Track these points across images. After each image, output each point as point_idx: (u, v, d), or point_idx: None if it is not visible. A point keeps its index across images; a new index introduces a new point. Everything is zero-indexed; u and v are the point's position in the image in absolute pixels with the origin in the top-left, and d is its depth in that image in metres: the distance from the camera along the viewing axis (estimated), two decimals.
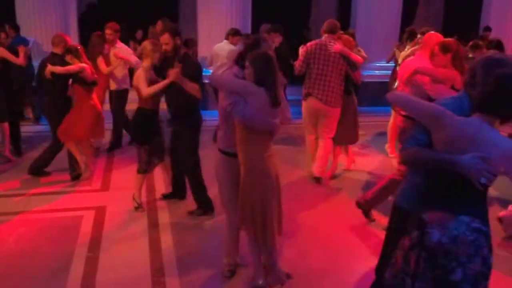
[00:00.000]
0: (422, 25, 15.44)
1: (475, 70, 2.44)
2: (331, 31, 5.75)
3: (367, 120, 8.35)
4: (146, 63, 4.83)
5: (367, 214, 4.88)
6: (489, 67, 2.37)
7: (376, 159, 7.11)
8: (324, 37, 5.79)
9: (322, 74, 5.72)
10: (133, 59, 6.89)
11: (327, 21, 5.77)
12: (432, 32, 5.23)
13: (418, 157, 2.49)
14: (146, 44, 4.89)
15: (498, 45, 6.41)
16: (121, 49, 7.05)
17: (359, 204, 4.82)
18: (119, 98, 7.13)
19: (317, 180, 5.99)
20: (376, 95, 8.73)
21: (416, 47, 6.81)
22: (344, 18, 12.07)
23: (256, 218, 3.46)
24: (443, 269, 2.35)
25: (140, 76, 4.77)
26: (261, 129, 3.40)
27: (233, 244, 3.93)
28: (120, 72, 7.02)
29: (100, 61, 6.75)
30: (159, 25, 7.20)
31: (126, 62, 6.94)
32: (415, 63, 4.78)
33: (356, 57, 5.78)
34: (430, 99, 3.02)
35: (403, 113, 4.74)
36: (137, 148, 5.08)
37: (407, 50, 6.97)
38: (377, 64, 10.37)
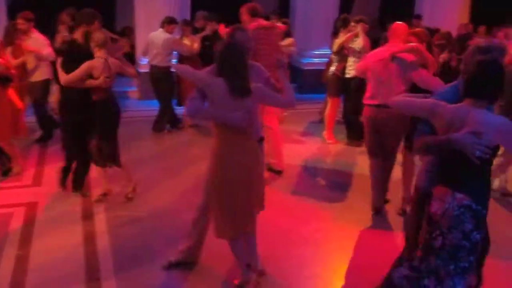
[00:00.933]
0: (359, 13, 15.80)
1: (465, 59, 2.80)
2: (253, 14, 5.61)
3: (307, 108, 8.43)
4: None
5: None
6: (473, 55, 2.75)
7: (314, 146, 7.21)
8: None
9: None
10: (45, 50, 6.55)
11: (246, 5, 5.63)
12: (399, 22, 4.94)
13: (423, 143, 2.82)
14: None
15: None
16: (36, 40, 6.68)
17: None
18: (36, 89, 6.77)
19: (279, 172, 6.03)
20: (316, 82, 8.81)
21: (349, 34, 7.00)
22: (284, 6, 12.13)
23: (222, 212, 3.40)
24: (430, 235, 2.73)
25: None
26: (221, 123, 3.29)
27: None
28: (32, 63, 6.63)
29: (4, 53, 6.09)
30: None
31: (36, 54, 6.56)
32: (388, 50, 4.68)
33: None
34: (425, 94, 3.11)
35: (368, 102, 4.79)
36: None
37: (341, 37, 7.05)
38: (316, 52, 10.47)
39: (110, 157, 4.92)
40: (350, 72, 6.96)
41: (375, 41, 8.29)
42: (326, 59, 9.28)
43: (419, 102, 2.91)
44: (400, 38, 4.73)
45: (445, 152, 2.72)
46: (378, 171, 4.91)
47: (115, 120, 4.95)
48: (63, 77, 4.71)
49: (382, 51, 4.74)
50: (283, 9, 11.32)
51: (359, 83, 6.63)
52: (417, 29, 5.14)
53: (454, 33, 9.14)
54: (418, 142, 2.89)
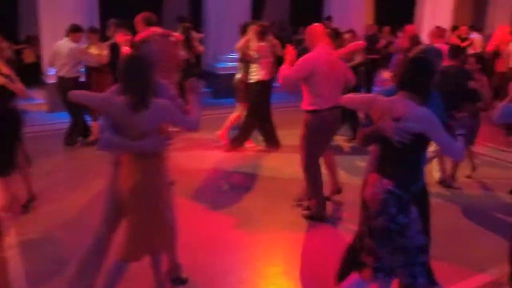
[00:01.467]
0: (270, 17, 16.09)
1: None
2: (147, 23, 5.46)
3: (223, 112, 8.41)
4: None
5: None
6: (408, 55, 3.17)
7: (231, 151, 7.18)
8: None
9: None
10: None
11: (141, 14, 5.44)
12: (315, 24, 5.11)
13: (363, 134, 3.04)
14: None
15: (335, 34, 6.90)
16: None
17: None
18: None
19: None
20: (231, 87, 8.80)
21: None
22: (195, 11, 12.06)
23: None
24: (364, 218, 3.04)
25: None
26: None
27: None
28: None
29: None
30: None
31: None
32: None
33: None
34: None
35: (308, 108, 4.79)
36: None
37: (241, 42, 7.21)
38: (230, 56, 10.48)
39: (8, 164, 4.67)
40: (252, 78, 6.97)
41: (283, 43, 8.53)
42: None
43: (361, 97, 3.35)
44: (325, 38, 4.85)
45: (377, 140, 2.98)
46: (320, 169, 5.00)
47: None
48: None
49: (323, 54, 4.71)
50: (195, 14, 11.23)
51: (261, 88, 6.72)
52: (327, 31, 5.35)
53: (362, 34, 9.62)
54: (359, 134, 3.11)
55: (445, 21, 13.49)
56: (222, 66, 10.37)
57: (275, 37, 8.04)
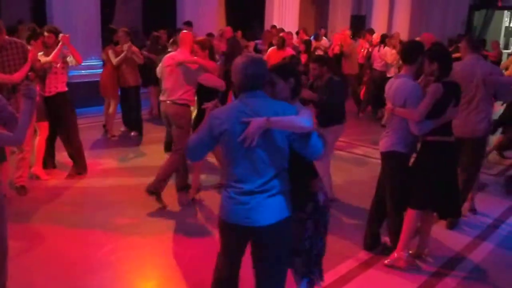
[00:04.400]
0: (122, 23, 15.57)
1: None
2: None
3: (85, 122, 7.91)
4: None
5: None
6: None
7: (94, 164, 6.74)
8: None
9: None
10: None
11: None
12: (185, 31, 5.74)
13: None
14: None
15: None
16: None
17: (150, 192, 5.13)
18: None
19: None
20: (87, 95, 8.32)
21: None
22: (38, 15, 11.21)
23: None
24: None
25: None
26: None
27: None
28: None
29: None
30: None
31: None
32: (178, 57, 5.23)
33: None
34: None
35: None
36: None
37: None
38: (82, 64, 9.90)
39: None
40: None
41: (140, 48, 8.33)
42: (95, 70, 8.90)
43: None
44: (188, 45, 5.29)
45: None
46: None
47: None
48: None
49: (173, 57, 5.29)
50: (38, 19, 10.38)
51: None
52: (200, 38, 5.64)
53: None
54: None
55: (293, 25, 14.27)
56: (75, 73, 9.73)
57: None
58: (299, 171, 2.88)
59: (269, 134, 2.57)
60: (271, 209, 2.63)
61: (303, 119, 2.58)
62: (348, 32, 11.18)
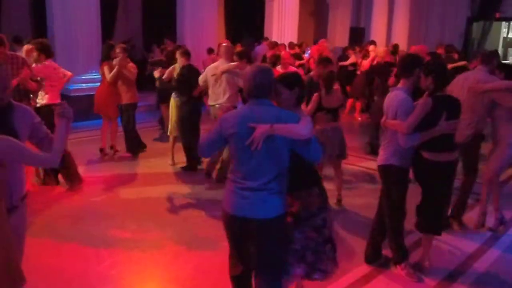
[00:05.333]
0: (122, 37, 15.69)
1: None
2: None
3: (86, 136, 7.91)
4: None
5: None
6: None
7: (89, 177, 6.74)
8: None
9: None
10: None
11: None
12: (225, 44, 6.92)
13: None
14: None
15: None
16: None
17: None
18: None
19: None
20: (87, 108, 8.34)
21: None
22: (39, 31, 11.26)
23: None
24: None
25: None
26: None
27: None
28: None
29: None
30: None
31: None
32: (221, 66, 6.32)
33: None
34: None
35: None
36: None
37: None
38: (84, 77, 9.97)
39: None
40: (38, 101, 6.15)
41: (142, 62, 8.34)
42: (94, 84, 8.94)
43: None
44: (230, 55, 6.38)
45: None
46: None
47: None
48: None
49: (217, 66, 6.42)
50: (39, 34, 10.43)
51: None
52: (238, 49, 6.38)
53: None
54: None
55: (292, 37, 14.36)
56: (76, 87, 9.78)
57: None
58: (301, 174, 3.18)
59: (272, 139, 2.84)
60: (270, 205, 2.93)
61: (303, 127, 2.86)
62: (327, 44, 11.00)
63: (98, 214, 5.39)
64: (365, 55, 10.90)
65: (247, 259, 3.12)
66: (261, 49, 12.65)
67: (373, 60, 10.04)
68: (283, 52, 7.90)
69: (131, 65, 7.45)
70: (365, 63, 10.40)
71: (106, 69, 7.37)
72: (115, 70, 7.22)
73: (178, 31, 12.81)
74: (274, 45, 11.57)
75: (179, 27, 12.79)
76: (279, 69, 7.29)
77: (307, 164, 3.19)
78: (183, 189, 6.13)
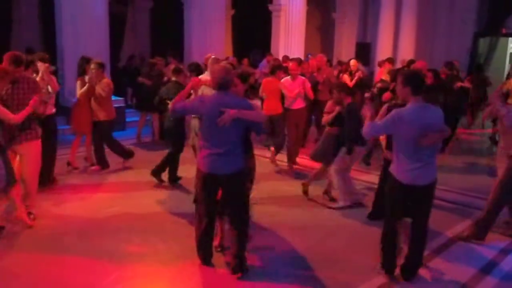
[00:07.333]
0: (132, 49, 15.84)
1: None
2: (17, 64, 5.12)
3: (80, 151, 7.94)
4: None
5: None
6: None
7: (76, 192, 6.78)
8: None
9: None
10: None
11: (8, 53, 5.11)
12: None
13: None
14: None
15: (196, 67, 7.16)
16: None
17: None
18: None
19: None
20: None
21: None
22: (49, 47, 11.39)
23: None
24: None
25: None
26: None
27: None
28: None
29: None
30: None
31: None
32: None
33: None
34: None
35: None
36: None
37: None
38: None
39: None
40: None
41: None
42: None
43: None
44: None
45: None
46: None
47: None
48: None
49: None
50: (48, 49, 10.57)
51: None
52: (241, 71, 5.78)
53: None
54: None
55: (299, 52, 14.43)
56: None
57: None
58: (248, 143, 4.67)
59: (236, 120, 4.04)
60: (232, 163, 4.19)
61: (260, 114, 4.34)
62: (325, 58, 10.98)
63: (103, 228, 5.40)
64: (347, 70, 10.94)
65: (214, 207, 4.34)
66: (264, 66, 12.67)
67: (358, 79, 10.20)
68: (290, 64, 8.04)
69: (105, 81, 7.25)
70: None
71: (78, 84, 7.26)
72: (85, 87, 7.11)
73: (185, 47, 12.95)
74: (286, 59, 11.52)
75: (187, 44, 12.93)
76: (289, 78, 7.89)
77: (248, 137, 4.61)
78: (188, 204, 6.12)
